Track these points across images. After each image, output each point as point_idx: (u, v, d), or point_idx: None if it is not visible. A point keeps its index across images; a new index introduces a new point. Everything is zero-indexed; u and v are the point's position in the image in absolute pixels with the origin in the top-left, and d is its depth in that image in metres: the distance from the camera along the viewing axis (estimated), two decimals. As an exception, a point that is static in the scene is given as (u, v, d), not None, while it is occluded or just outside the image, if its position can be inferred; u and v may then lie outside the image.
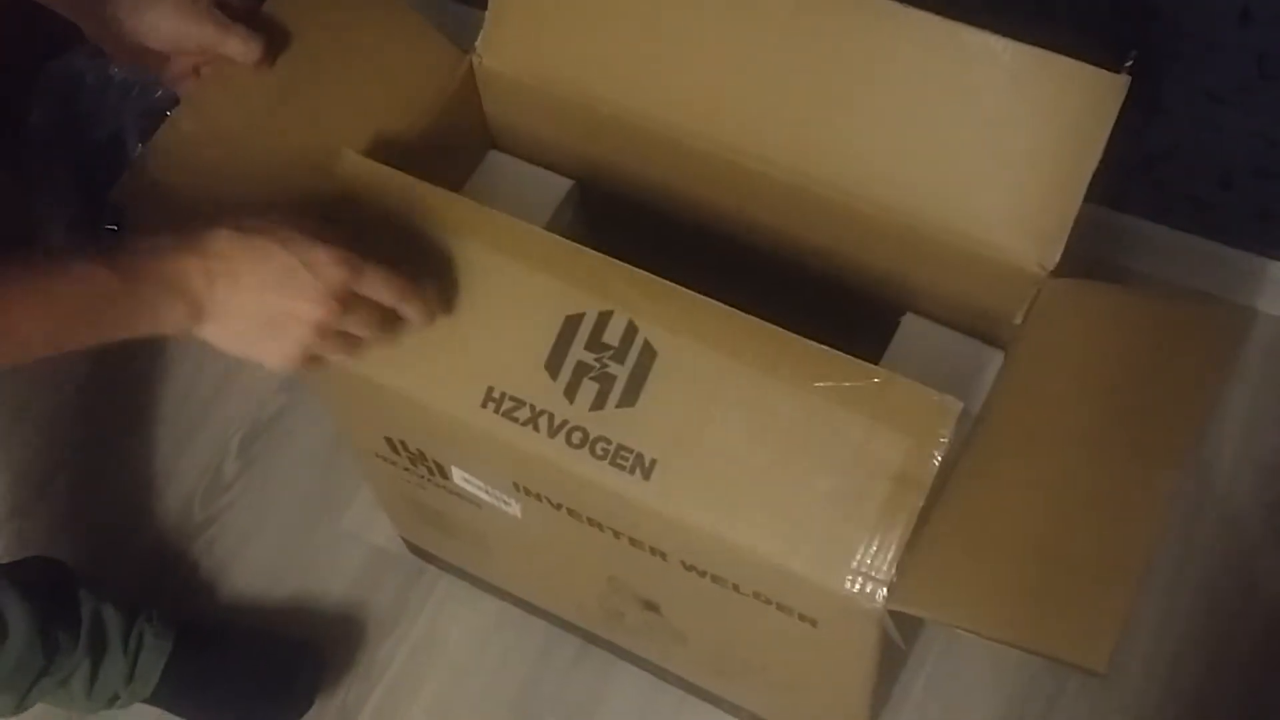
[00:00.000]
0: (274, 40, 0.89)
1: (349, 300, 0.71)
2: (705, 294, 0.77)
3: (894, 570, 0.71)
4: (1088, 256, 0.81)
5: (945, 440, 0.71)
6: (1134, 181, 1.22)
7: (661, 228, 0.97)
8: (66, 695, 1.08)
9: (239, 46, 0.86)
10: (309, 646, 1.21)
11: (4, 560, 1.11)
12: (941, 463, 0.71)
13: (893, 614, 0.72)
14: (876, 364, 0.83)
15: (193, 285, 0.68)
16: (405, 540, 1.24)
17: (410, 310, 0.75)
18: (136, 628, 1.11)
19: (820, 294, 0.93)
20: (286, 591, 1.28)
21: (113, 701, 1.11)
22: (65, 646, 1.04)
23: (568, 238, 0.81)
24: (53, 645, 1.03)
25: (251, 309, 0.70)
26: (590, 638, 1.19)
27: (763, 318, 0.75)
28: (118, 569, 1.29)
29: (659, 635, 1.03)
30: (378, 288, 0.72)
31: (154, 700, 1.14)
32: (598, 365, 0.77)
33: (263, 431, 1.36)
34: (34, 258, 0.65)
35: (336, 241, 0.71)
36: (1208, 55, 1.07)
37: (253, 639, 1.21)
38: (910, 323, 0.89)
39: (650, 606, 0.96)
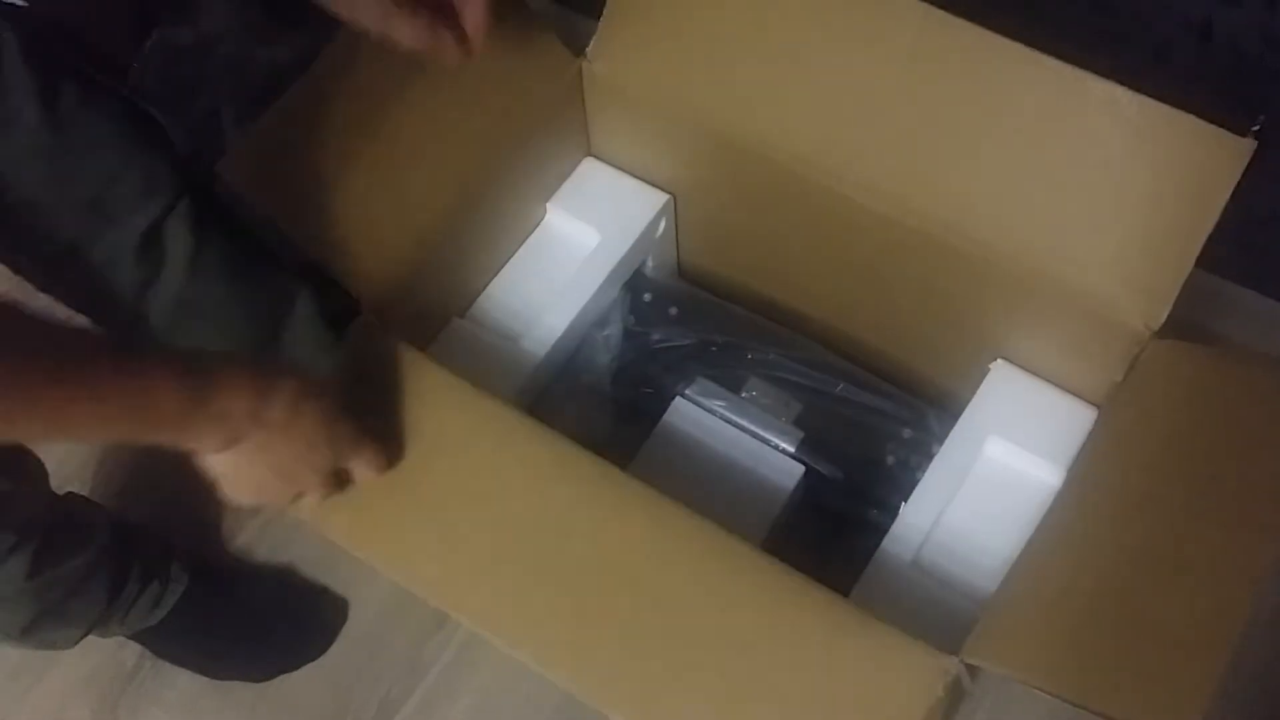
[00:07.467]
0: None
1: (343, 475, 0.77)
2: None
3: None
4: (1174, 316, 0.79)
5: None
6: (1230, 244, 1.20)
7: (754, 248, 0.96)
8: (103, 622, 1.07)
9: (406, 30, 0.80)
10: (328, 592, 1.24)
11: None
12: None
13: (967, 665, 0.71)
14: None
15: (240, 424, 0.70)
16: (461, 539, 1.23)
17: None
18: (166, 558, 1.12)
19: (909, 329, 0.92)
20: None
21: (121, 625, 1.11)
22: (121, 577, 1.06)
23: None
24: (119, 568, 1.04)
25: (274, 460, 0.73)
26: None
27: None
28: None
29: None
30: (367, 468, 0.78)
31: (159, 628, 1.14)
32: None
33: (327, 417, 1.36)
34: (108, 346, 0.66)
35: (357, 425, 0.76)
36: (1320, 122, 1.04)
37: (265, 582, 1.24)
38: (1001, 370, 0.87)
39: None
